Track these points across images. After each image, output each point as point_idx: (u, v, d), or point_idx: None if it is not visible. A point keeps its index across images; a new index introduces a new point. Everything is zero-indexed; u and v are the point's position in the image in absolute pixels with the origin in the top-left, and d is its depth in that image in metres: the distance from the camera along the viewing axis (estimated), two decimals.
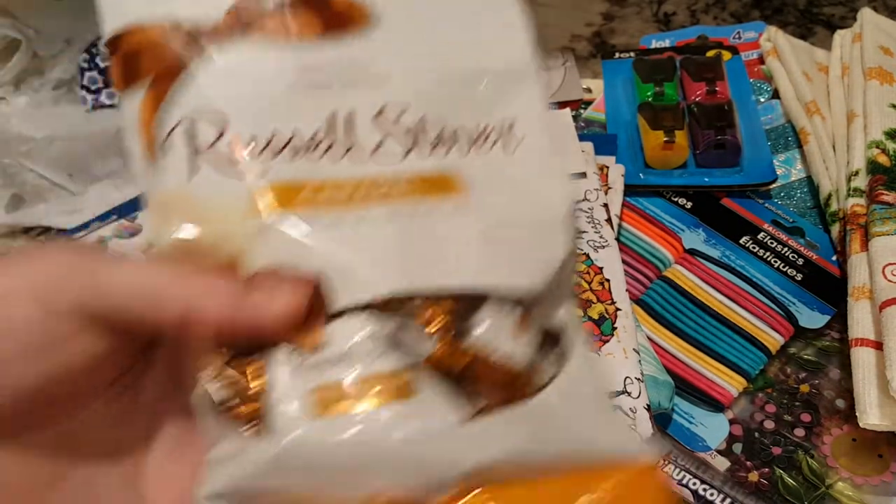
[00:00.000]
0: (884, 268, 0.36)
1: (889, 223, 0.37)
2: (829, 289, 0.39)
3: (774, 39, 0.48)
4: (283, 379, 0.18)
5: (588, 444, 0.20)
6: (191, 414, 0.20)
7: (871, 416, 0.32)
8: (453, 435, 0.18)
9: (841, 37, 0.47)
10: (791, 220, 0.42)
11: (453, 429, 0.18)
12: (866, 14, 0.47)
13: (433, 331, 0.19)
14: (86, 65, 0.46)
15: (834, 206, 0.40)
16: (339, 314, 0.18)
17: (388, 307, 0.19)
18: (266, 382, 0.18)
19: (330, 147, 0.20)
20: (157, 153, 0.19)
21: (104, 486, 0.20)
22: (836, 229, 0.40)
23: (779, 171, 0.43)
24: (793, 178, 0.44)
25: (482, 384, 0.19)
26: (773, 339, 0.37)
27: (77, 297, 0.17)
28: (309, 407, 0.18)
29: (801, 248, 0.40)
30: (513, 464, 0.19)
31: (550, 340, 0.21)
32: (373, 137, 0.20)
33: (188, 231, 0.19)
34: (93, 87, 0.47)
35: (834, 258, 0.40)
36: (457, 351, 0.19)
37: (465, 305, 0.19)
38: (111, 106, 0.46)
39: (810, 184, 0.43)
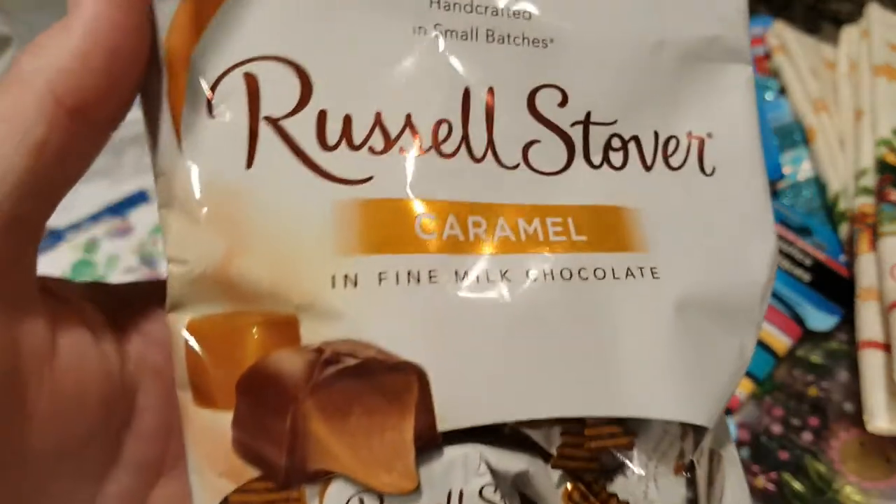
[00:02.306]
0: (892, 268, 0.35)
1: None
2: (838, 290, 0.38)
3: (781, 36, 0.48)
4: None
5: None
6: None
7: (879, 419, 0.31)
8: None
9: (848, 33, 0.47)
10: (799, 220, 0.41)
11: None
12: (874, 10, 0.46)
13: (574, 473, 0.13)
14: None
15: (842, 206, 0.40)
16: (441, 444, 0.12)
17: (511, 435, 0.13)
18: None
19: (460, 146, 0.13)
20: (192, 114, 0.12)
21: None
22: (844, 229, 0.39)
23: (786, 170, 0.43)
24: (800, 177, 0.44)
25: None
26: (781, 342, 0.36)
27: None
28: None
29: (809, 248, 0.40)
30: None
31: (710, 479, 0.15)
32: (518, 135, 0.14)
33: (236, 259, 0.12)
34: None
35: (842, 258, 0.39)
36: None
37: (623, 440, 0.13)
38: None
39: (818, 182, 0.43)
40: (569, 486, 0.13)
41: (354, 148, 0.13)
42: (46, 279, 0.14)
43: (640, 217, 0.14)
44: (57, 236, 0.40)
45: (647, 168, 0.15)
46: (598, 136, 0.14)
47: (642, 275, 0.14)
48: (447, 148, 0.13)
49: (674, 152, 0.15)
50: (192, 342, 0.13)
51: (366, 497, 0.12)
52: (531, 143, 0.14)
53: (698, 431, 0.14)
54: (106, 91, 0.12)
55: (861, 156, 0.40)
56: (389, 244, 0.13)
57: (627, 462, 0.13)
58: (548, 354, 0.13)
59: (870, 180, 0.39)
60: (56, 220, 0.40)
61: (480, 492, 0.12)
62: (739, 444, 0.34)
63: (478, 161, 0.13)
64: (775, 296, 0.38)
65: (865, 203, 0.38)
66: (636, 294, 0.14)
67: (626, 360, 0.13)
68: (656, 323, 0.14)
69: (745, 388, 0.35)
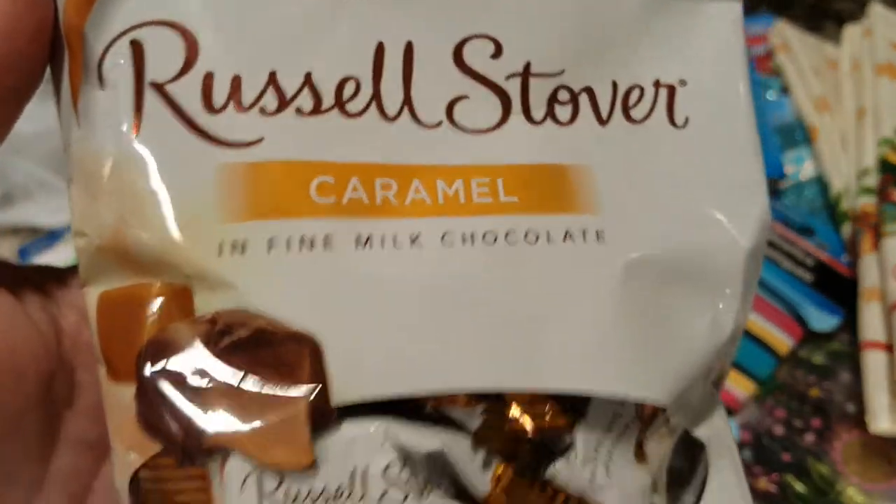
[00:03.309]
0: (895, 269, 0.35)
1: None
2: (840, 290, 0.38)
3: (783, 34, 0.47)
4: None
5: None
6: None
7: (882, 421, 0.31)
8: None
9: (850, 32, 0.46)
10: (801, 220, 0.41)
11: None
12: (876, 9, 0.46)
13: (504, 455, 0.12)
14: None
15: (844, 205, 0.40)
16: (343, 416, 0.12)
17: (432, 404, 0.12)
18: None
19: (369, 105, 0.12)
20: (87, 87, 0.12)
21: None
22: (846, 229, 0.39)
23: (788, 169, 0.43)
24: (802, 176, 0.43)
25: None
26: (783, 343, 0.36)
27: None
28: None
29: (811, 249, 0.40)
30: None
31: (682, 476, 0.13)
32: (441, 91, 0.13)
33: (128, 228, 0.12)
34: None
35: (844, 258, 0.39)
36: (534, 497, 0.12)
37: (559, 420, 0.12)
38: None
39: (820, 182, 0.43)
40: (498, 468, 0.12)
41: (243, 109, 0.12)
42: None
43: (588, 175, 0.13)
44: (55, 236, 0.40)
45: (602, 122, 0.13)
46: (539, 90, 0.13)
47: (584, 239, 0.13)
48: (353, 107, 0.12)
49: (636, 103, 0.13)
50: (100, 315, 0.13)
51: (265, 474, 0.11)
52: (457, 99, 0.13)
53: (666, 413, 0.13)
54: (6, 65, 0.12)
55: (863, 155, 0.40)
56: (280, 209, 0.12)
57: (570, 444, 0.12)
58: (462, 324, 0.12)
59: (872, 180, 0.39)
60: (54, 219, 0.40)
61: (385, 470, 0.12)
62: (741, 445, 0.33)
63: (391, 120, 0.13)
64: (777, 296, 0.38)
65: (868, 203, 0.38)
66: (576, 260, 0.13)
67: (560, 331, 0.12)
68: (599, 291, 0.12)
69: (746, 389, 0.35)
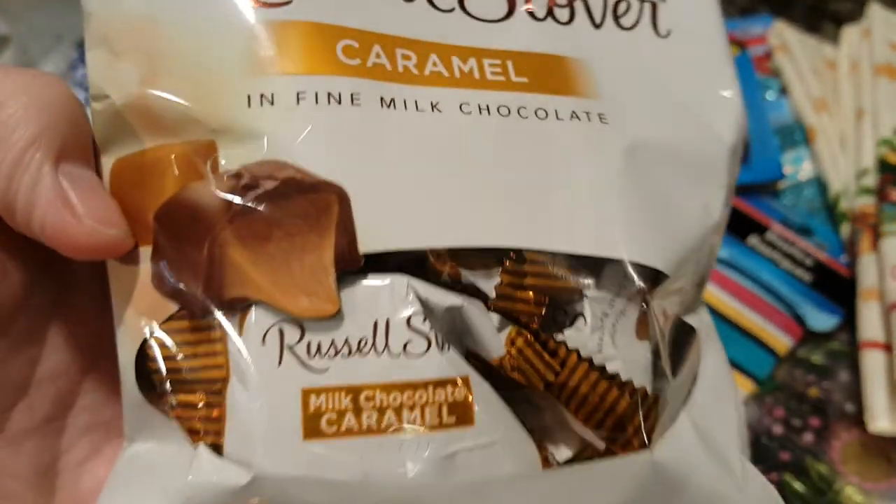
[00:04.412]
0: (893, 269, 0.35)
1: None
2: (839, 290, 0.38)
3: (782, 35, 0.47)
4: (259, 364, 0.11)
5: None
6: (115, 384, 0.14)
7: (880, 420, 0.31)
8: (526, 494, 0.12)
9: (849, 33, 0.47)
10: (800, 220, 0.41)
11: (528, 484, 0.12)
12: (875, 10, 0.46)
13: (518, 318, 0.12)
14: (77, 61, 0.46)
15: (843, 206, 0.40)
16: (365, 270, 0.12)
17: (449, 271, 0.12)
18: (228, 363, 0.12)
19: None
20: None
21: None
22: (845, 229, 0.39)
23: (787, 170, 0.43)
24: (801, 177, 0.44)
25: (581, 413, 0.12)
26: (782, 342, 0.36)
27: None
28: (298, 420, 0.11)
29: (810, 249, 0.40)
30: None
31: (679, 352, 0.14)
32: None
33: (155, 81, 0.12)
34: (85, 84, 0.46)
35: (843, 258, 0.39)
36: (546, 358, 0.12)
37: (569, 284, 0.13)
38: None
39: (819, 182, 0.43)
40: (512, 331, 0.13)
41: None
42: None
43: (587, 67, 0.14)
44: None
45: (596, 26, 0.15)
46: None
47: (589, 119, 0.14)
48: None
49: (625, 13, 0.15)
50: (114, 183, 0.13)
51: (286, 327, 0.11)
52: None
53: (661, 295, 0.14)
54: None
55: (862, 156, 0.40)
56: (308, 65, 0.12)
57: (579, 314, 0.13)
58: (481, 185, 0.12)
59: (871, 180, 0.39)
60: None
61: (408, 321, 0.12)
62: None
63: (408, 1, 0.13)
64: (776, 296, 0.38)
65: (866, 203, 0.38)
66: (583, 135, 0.13)
67: (569, 198, 0.13)
68: (605, 164, 0.13)
69: (745, 388, 0.35)
